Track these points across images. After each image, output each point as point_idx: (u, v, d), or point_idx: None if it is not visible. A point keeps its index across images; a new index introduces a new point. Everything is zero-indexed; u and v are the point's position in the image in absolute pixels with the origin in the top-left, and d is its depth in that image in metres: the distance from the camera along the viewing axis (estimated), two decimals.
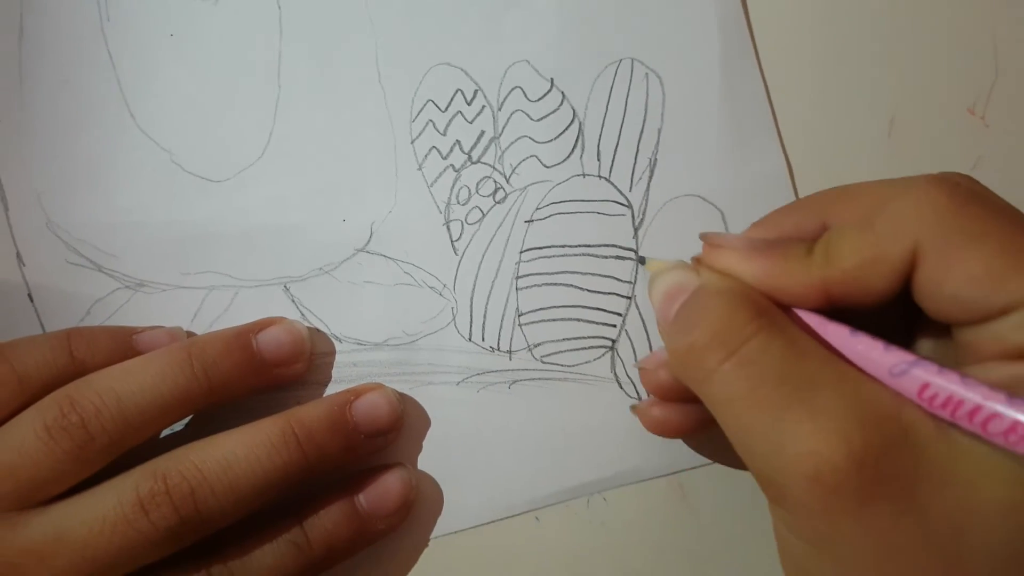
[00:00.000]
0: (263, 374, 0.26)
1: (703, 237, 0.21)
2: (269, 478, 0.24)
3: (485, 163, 0.28)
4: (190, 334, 0.28)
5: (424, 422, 0.28)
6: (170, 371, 0.24)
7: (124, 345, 0.26)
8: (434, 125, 0.28)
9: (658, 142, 0.27)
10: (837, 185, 0.21)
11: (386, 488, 0.26)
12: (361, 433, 0.26)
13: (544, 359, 0.28)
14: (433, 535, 0.27)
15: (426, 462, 0.28)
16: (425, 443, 0.28)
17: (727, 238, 0.21)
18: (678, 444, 0.27)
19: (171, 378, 0.24)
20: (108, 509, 0.23)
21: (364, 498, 0.26)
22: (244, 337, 0.26)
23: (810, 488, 0.17)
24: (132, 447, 0.24)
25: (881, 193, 0.19)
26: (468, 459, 0.27)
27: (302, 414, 0.25)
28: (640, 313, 0.27)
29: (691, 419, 0.23)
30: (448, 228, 0.28)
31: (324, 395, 0.27)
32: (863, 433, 0.17)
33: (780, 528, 0.18)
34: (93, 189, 0.28)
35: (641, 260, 0.25)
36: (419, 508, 0.27)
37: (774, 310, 0.19)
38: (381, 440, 0.26)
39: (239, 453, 0.24)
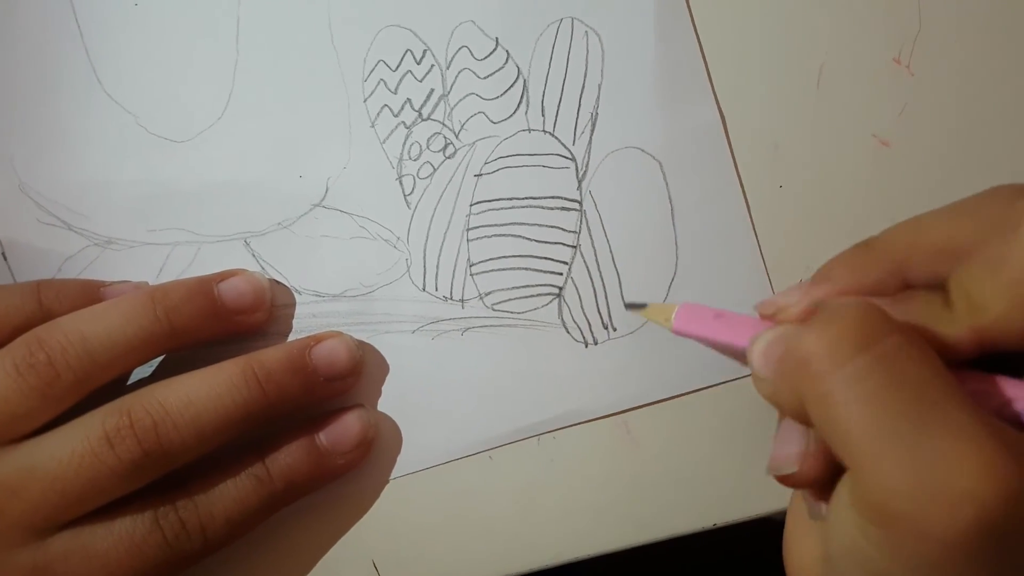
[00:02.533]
0: (224, 320, 0.27)
1: (809, 299, 0.20)
2: (230, 414, 0.25)
3: (435, 120, 0.29)
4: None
5: (382, 369, 0.29)
6: (134, 313, 0.25)
7: (92, 296, 0.27)
8: (385, 84, 0.29)
9: (598, 97, 0.29)
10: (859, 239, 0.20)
11: (345, 426, 0.27)
12: (320, 376, 0.27)
13: (495, 307, 0.29)
14: (392, 475, 0.29)
15: (385, 406, 0.29)
16: (383, 388, 0.29)
17: (845, 300, 0.19)
18: (625, 385, 0.29)
19: (135, 320, 0.25)
20: (76, 443, 0.24)
21: (324, 436, 0.27)
22: (206, 285, 0.27)
23: (941, 517, 0.15)
24: (100, 386, 0.25)
25: (964, 225, 0.18)
26: (425, 403, 0.29)
27: (263, 356, 0.26)
28: (584, 261, 0.29)
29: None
30: (401, 183, 0.29)
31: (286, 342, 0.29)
32: (1016, 468, 0.15)
33: (868, 548, 0.16)
34: (63, 152, 0.29)
35: (631, 306, 0.24)
36: (379, 450, 0.29)
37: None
38: (340, 384, 0.27)
39: (201, 391, 0.25)
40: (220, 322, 0.27)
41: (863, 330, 0.17)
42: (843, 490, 0.18)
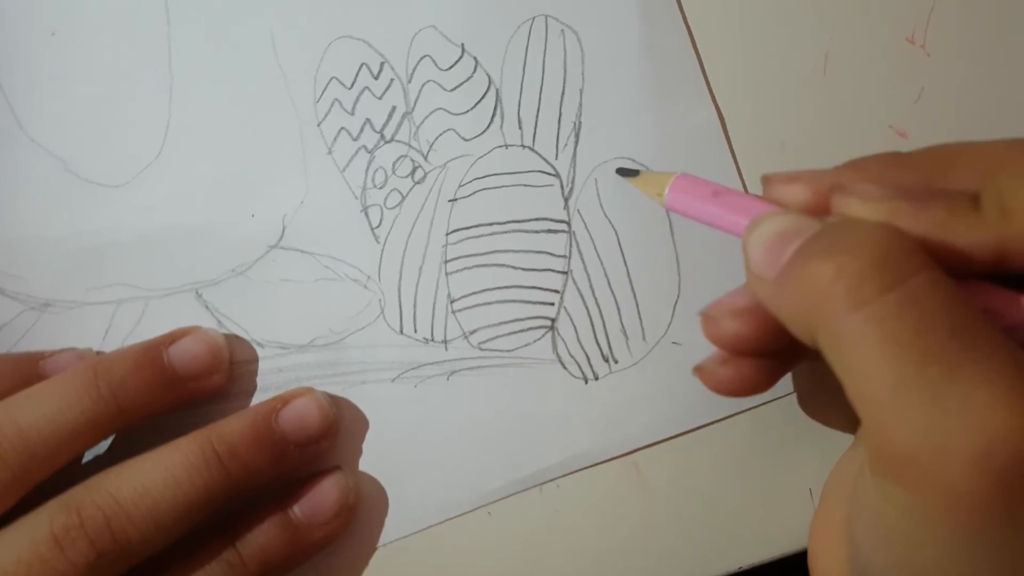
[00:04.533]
0: (178, 389, 0.24)
1: (825, 182, 0.18)
2: (191, 501, 0.22)
3: (400, 141, 0.26)
4: (100, 353, 0.26)
5: (361, 423, 0.26)
6: (75, 395, 0.23)
7: (30, 373, 0.24)
8: (340, 104, 0.26)
9: (581, 104, 0.26)
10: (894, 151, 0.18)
11: (322, 495, 0.25)
12: (291, 443, 0.24)
13: (482, 346, 0.26)
14: (381, 542, 0.26)
15: (367, 465, 0.26)
16: (364, 446, 0.26)
17: (865, 187, 0.17)
18: (631, 422, 0.26)
19: (77, 402, 0.22)
20: (23, 549, 0.21)
21: (299, 508, 0.24)
22: (154, 351, 0.24)
23: (974, 472, 0.13)
24: (45, 478, 0.23)
25: (1009, 147, 0.17)
26: (411, 459, 0.26)
27: (223, 429, 0.23)
28: (577, 288, 0.26)
29: (765, 374, 0.20)
30: (367, 215, 0.26)
31: (250, 405, 0.26)
32: None
33: (894, 515, 0.15)
34: None
35: (623, 172, 0.21)
36: (363, 514, 0.26)
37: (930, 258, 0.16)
38: (314, 448, 0.24)
39: (157, 477, 0.22)
40: (173, 392, 0.24)
41: (888, 265, 0.15)
42: (861, 460, 0.16)
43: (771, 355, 0.19)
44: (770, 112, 0.25)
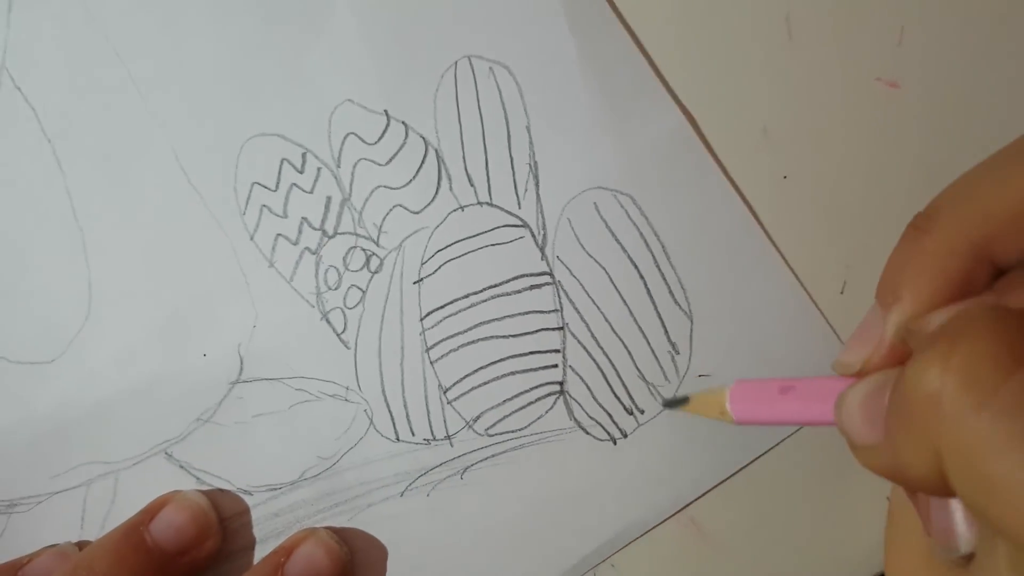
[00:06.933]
0: (171, 569, 0.21)
1: (894, 332, 0.15)
2: None
3: (345, 233, 0.23)
4: (82, 543, 0.23)
5: (378, 550, 0.23)
6: None
7: None
8: (270, 210, 0.23)
9: (531, 141, 0.23)
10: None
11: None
12: None
13: (490, 432, 0.23)
14: None
15: None
16: (386, 572, 0.23)
17: (960, 315, 0.14)
18: (675, 475, 0.23)
19: None
20: None
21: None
22: (134, 534, 0.21)
23: None
24: None
25: None
26: (439, 574, 0.23)
27: None
28: (579, 341, 0.23)
29: None
30: (328, 321, 0.23)
31: (253, 562, 0.23)
32: None
33: None
34: None
35: (670, 404, 0.19)
36: None
37: None
38: None
39: None
40: (167, 572, 0.21)
41: (1003, 344, 0.12)
42: (1000, 560, 0.13)
43: None
44: (742, 98, 0.22)
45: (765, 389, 0.17)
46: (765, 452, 0.22)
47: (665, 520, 0.23)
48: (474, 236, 0.23)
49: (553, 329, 0.23)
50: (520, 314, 0.23)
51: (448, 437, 0.23)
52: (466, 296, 0.23)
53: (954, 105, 0.22)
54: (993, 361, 0.12)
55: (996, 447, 0.12)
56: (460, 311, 0.23)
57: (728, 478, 0.23)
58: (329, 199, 0.23)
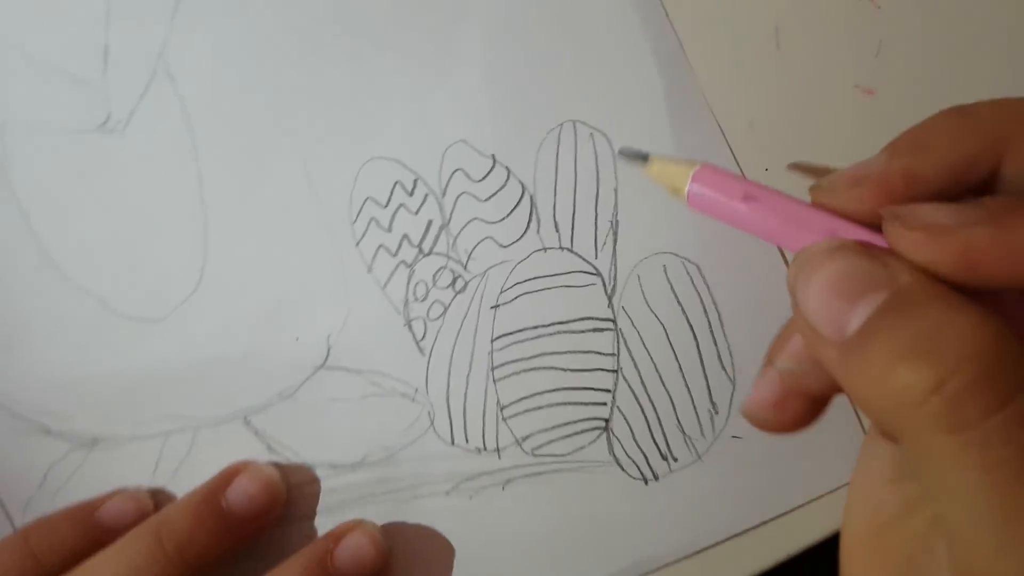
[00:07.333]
0: (240, 533, 0.24)
1: (888, 214, 0.15)
2: None
3: (438, 253, 0.26)
4: (155, 493, 0.26)
5: (418, 539, 0.26)
6: (143, 563, 0.22)
7: (86, 527, 0.24)
8: (377, 223, 0.26)
9: (616, 202, 0.26)
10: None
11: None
12: None
13: (536, 452, 0.26)
14: None
15: None
16: (422, 563, 0.26)
17: (930, 213, 0.15)
18: (697, 521, 0.25)
19: (145, 570, 0.22)
20: None
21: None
22: (213, 500, 0.24)
23: None
24: None
25: None
26: (470, 573, 0.25)
27: None
28: (629, 386, 0.25)
29: (817, 409, 0.18)
30: (410, 328, 0.26)
31: (306, 532, 0.25)
32: None
33: None
34: (28, 349, 0.26)
35: (628, 153, 0.18)
36: None
37: None
38: None
39: None
40: (236, 537, 0.24)
41: (993, 382, 0.13)
42: (939, 547, 0.15)
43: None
44: (732, 96, 0.25)
45: (729, 189, 0.16)
46: (787, 512, 0.25)
47: (678, 561, 0.25)
48: (551, 276, 0.26)
49: (608, 371, 0.26)
50: (580, 352, 0.26)
51: (498, 449, 0.25)
52: (535, 327, 0.26)
53: (924, 111, 0.25)
54: (982, 395, 0.13)
55: (960, 466, 0.13)
56: (528, 339, 0.26)
57: (746, 531, 0.25)
58: (430, 222, 0.26)
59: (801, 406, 0.17)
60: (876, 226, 0.15)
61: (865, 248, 0.15)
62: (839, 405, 0.25)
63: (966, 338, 0.13)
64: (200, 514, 0.23)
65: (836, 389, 0.17)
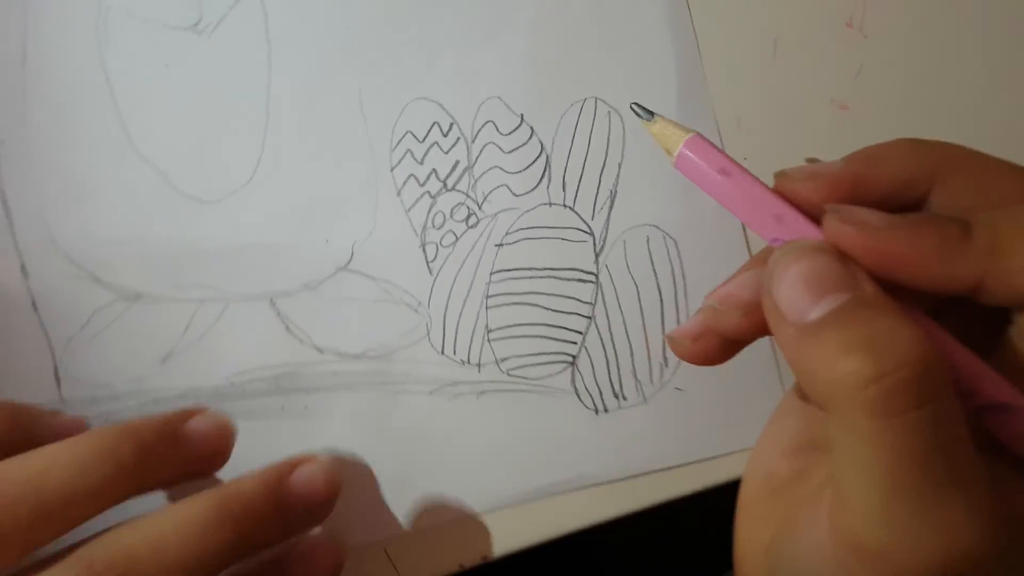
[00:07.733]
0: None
1: (829, 208, 0.18)
2: (202, 560, 0.22)
3: (459, 191, 0.30)
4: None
5: (401, 428, 0.30)
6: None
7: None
8: (412, 155, 0.30)
9: (618, 176, 0.30)
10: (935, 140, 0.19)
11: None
12: (300, 507, 0.25)
13: (510, 372, 0.30)
14: (402, 530, 0.30)
15: (401, 465, 0.30)
16: (400, 448, 0.30)
17: (861, 214, 0.18)
18: (632, 453, 0.30)
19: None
20: None
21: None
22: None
23: (935, 567, 0.15)
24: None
25: (1016, 179, 0.18)
26: (439, 463, 0.30)
27: (239, 488, 0.24)
28: (598, 332, 0.30)
29: (734, 348, 0.20)
30: (424, 250, 0.30)
31: (312, 401, 0.30)
32: (999, 537, 0.16)
33: (831, 562, 0.17)
34: (94, 207, 0.30)
35: (641, 110, 0.20)
36: (394, 505, 0.30)
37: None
38: (319, 513, 0.26)
39: (171, 534, 0.22)
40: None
41: (923, 385, 0.16)
42: (821, 513, 0.18)
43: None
44: (727, 93, 0.30)
45: (711, 160, 0.19)
46: (712, 457, 0.29)
47: (612, 482, 0.30)
48: (551, 227, 0.30)
49: (583, 316, 0.30)
50: (563, 296, 0.30)
51: (479, 364, 0.30)
52: (529, 268, 0.30)
53: (888, 131, 0.27)
54: (913, 392, 0.15)
55: (876, 443, 0.16)
56: (521, 277, 0.30)
57: (673, 468, 0.30)
58: (457, 162, 0.30)
59: (715, 344, 0.20)
60: (817, 217, 0.19)
61: (842, 255, 0.18)
62: (765, 380, 0.29)
63: (909, 347, 0.16)
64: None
65: (746, 338, 0.20)
